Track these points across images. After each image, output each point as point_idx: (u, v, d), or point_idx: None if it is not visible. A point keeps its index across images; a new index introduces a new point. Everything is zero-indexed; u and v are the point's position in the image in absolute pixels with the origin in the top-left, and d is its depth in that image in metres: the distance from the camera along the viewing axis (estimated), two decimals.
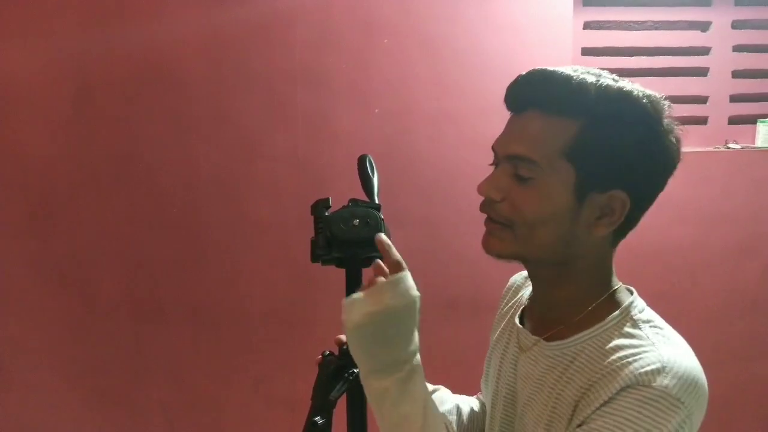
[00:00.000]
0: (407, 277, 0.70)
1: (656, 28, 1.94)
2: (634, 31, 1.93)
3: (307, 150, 1.77)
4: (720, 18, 1.94)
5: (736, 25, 1.96)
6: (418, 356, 0.71)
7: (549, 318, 0.75)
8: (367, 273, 0.76)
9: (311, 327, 1.81)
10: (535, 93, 0.69)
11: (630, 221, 0.70)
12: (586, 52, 1.91)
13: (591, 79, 0.66)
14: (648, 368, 0.61)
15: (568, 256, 0.70)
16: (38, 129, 1.71)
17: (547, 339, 0.73)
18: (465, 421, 0.91)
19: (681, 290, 1.95)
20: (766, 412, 2.06)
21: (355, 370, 0.76)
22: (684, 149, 0.69)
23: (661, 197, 0.71)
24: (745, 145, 1.98)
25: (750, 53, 1.98)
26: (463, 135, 1.79)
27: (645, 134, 0.66)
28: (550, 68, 0.68)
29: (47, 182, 1.73)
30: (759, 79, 2.00)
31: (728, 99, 1.99)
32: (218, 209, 1.77)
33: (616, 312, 0.69)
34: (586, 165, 0.66)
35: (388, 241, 0.72)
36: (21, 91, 1.70)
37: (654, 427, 0.59)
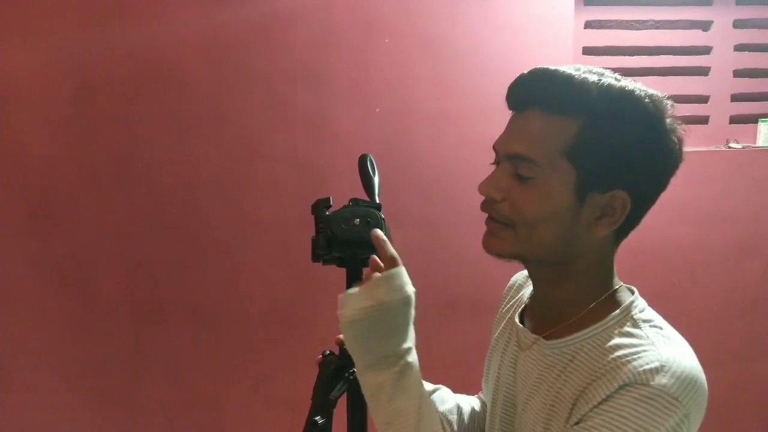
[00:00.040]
0: (402, 272, 0.71)
1: (657, 28, 1.93)
2: (635, 31, 1.93)
3: (307, 150, 1.77)
4: (721, 17, 1.94)
5: (738, 24, 1.96)
6: (414, 352, 0.72)
7: (549, 317, 0.75)
8: (367, 273, 0.76)
9: (311, 327, 1.81)
10: (536, 92, 0.69)
11: (631, 221, 0.70)
12: (587, 51, 1.90)
13: (593, 78, 0.66)
14: (646, 367, 0.61)
15: (568, 255, 0.70)
16: (38, 129, 1.71)
17: (547, 338, 0.73)
18: (466, 420, 0.91)
19: (681, 290, 1.95)
20: (766, 412, 2.06)
21: (355, 370, 0.76)
22: (685, 149, 0.69)
23: (662, 197, 0.71)
24: (746, 144, 1.98)
25: (751, 53, 1.98)
26: (463, 135, 1.79)
27: (646, 134, 0.66)
28: (552, 67, 0.68)
29: (47, 182, 1.73)
30: (760, 79, 2.00)
31: (729, 98, 1.99)
32: (218, 209, 1.77)
33: (617, 311, 0.69)
34: (587, 164, 0.66)
35: (384, 237, 0.73)
36: (21, 91, 1.70)
37: (650, 425, 0.59)
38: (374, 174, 0.82)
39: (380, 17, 1.74)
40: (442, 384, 0.94)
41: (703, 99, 1.99)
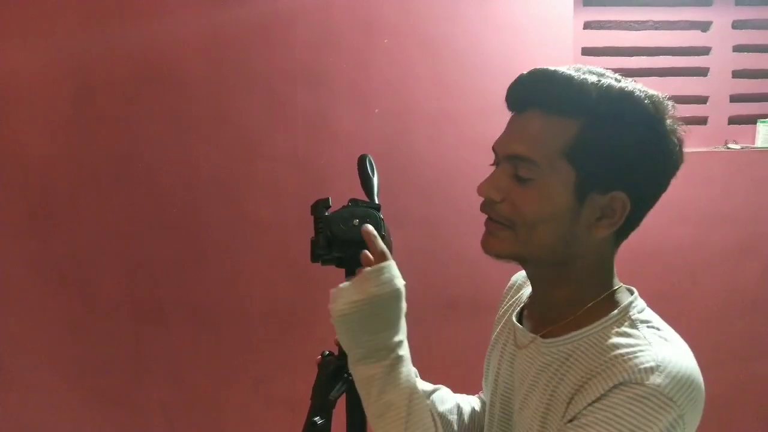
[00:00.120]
0: (391, 266, 0.72)
1: (656, 28, 1.94)
2: (635, 31, 1.93)
3: (307, 150, 1.77)
4: (720, 18, 1.94)
5: (737, 25, 1.96)
6: (405, 345, 0.72)
7: (547, 317, 0.75)
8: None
9: (311, 327, 1.81)
10: (535, 92, 0.69)
11: (631, 222, 0.70)
12: (587, 52, 1.91)
13: (593, 78, 0.66)
14: (642, 366, 0.61)
15: (567, 256, 0.70)
16: (38, 129, 1.71)
17: (544, 336, 0.73)
18: (466, 420, 0.91)
19: (681, 290, 1.95)
20: (766, 412, 2.06)
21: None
22: (684, 149, 0.69)
23: (661, 197, 0.71)
24: (745, 145, 1.98)
25: (750, 53, 1.98)
26: (463, 135, 1.79)
27: (646, 135, 0.66)
28: (552, 68, 0.68)
29: (47, 182, 1.73)
30: (759, 80, 2.00)
31: (728, 99, 1.99)
32: (218, 209, 1.77)
33: (615, 311, 0.69)
34: (587, 165, 0.66)
35: (374, 233, 0.74)
36: (21, 91, 1.70)
37: (644, 424, 0.59)
38: (373, 174, 0.82)
39: (380, 17, 1.74)
40: (442, 384, 0.94)
41: (702, 99, 1.99)
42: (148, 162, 1.74)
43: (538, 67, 0.69)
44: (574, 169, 0.66)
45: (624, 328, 0.67)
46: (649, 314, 0.71)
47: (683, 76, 1.97)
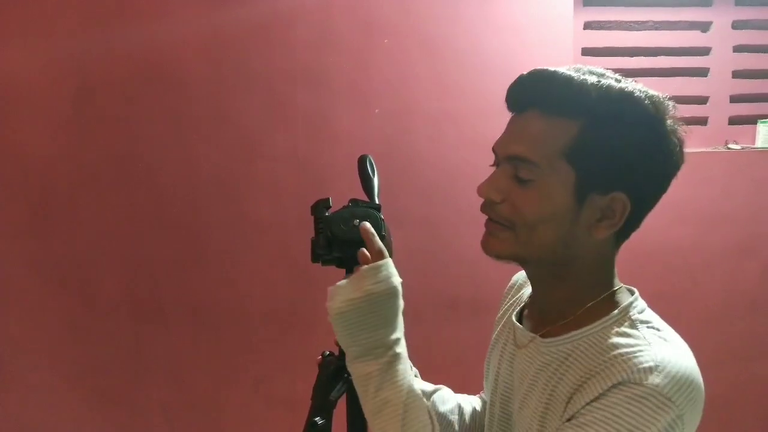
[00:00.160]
0: (388, 264, 0.72)
1: (657, 29, 1.94)
2: (635, 32, 1.93)
3: (307, 150, 1.77)
4: (720, 18, 1.94)
5: (737, 25, 1.96)
6: (402, 343, 0.73)
7: (547, 317, 0.75)
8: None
9: (311, 327, 1.81)
10: (535, 93, 0.69)
11: (632, 223, 0.70)
12: (587, 52, 1.91)
13: (592, 79, 0.66)
14: (641, 366, 0.61)
15: (567, 256, 0.70)
16: (38, 129, 1.71)
17: (543, 336, 0.73)
18: (467, 420, 0.91)
19: (681, 290, 1.95)
20: (766, 412, 2.06)
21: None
22: (685, 149, 0.69)
23: (662, 198, 0.71)
24: (745, 145, 1.98)
25: (750, 53, 1.98)
26: (464, 135, 1.79)
27: (646, 135, 0.66)
28: (551, 68, 0.68)
29: (47, 182, 1.73)
30: (759, 80, 2.00)
31: (728, 99, 1.99)
32: (218, 209, 1.77)
33: (615, 311, 0.69)
34: (586, 166, 0.66)
35: (372, 231, 0.74)
36: (21, 91, 1.69)
37: (642, 424, 0.59)
38: (374, 175, 0.82)
39: (380, 17, 1.74)
40: (443, 384, 0.94)
41: (702, 100, 1.99)
42: (148, 162, 1.74)
43: (538, 67, 0.69)
44: (574, 170, 0.66)
45: (624, 329, 0.67)
46: (650, 315, 0.71)
47: (683, 76, 1.97)
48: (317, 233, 0.77)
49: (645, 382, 0.60)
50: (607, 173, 0.66)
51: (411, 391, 0.71)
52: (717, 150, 1.96)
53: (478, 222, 0.74)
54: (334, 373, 0.79)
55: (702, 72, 1.98)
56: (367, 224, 0.75)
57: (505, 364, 0.80)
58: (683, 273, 1.96)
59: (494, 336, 0.88)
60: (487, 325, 0.94)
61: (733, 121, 2.00)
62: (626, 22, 1.93)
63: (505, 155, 0.70)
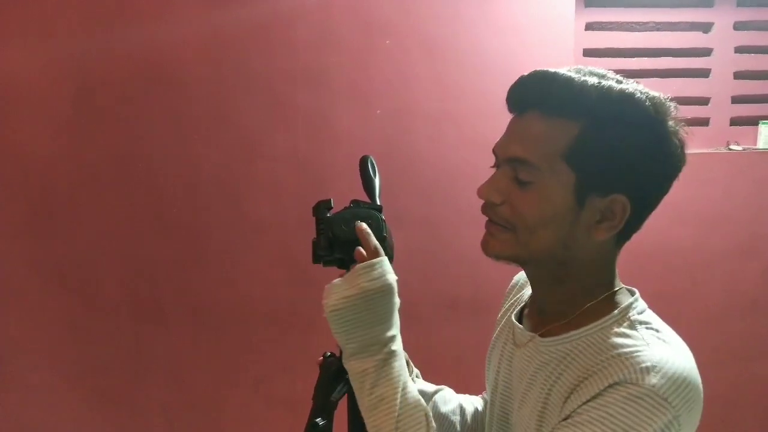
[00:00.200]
0: (383, 262, 0.73)
1: (658, 29, 1.93)
2: (636, 32, 1.92)
3: (308, 150, 1.77)
4: (722, 19, 1.94)
5: (738, 26, 1.96)
6: (398, 340, 0.74)
7: (547, 317, 0.75)
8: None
9: (311, 327, 1.80)
10: (535, 94, 0.68)
11: (632, 225, 0.69)
12: (588, 53, 1.90)
13: (593, 80, 0.65)
14: (638, 366, 0.61)
15: (567, 258, 0.70)
16: (38, 129, 1.71)
17: (542, 335, 0.73)
18: (469, 420, 0.91)
19: (681, 291, 1.95)
20: (766, 412, 2.06)
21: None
22: (686, 151, 0.68)
23: (663, 198, 0.70)
24: (746, 146, 1.98)
25: (752, 54, 1.98)
26: (464, 135, 1.79)
27: (646, 137, 0.65)
28: (552, 69, 0.68)
29: (47, 182, 1.73)
30: (761, 81, 1.99)
31: (730, 100, 1.99)
32: (218, 209, 1.77)
33: (614, 312, 0.69)
34: (586, 168, 0.66)
35: (368, 230, 0.75)
36: (21, 91, 1.69)
37: (637, 424, 0.59)
38: (375, 176, 0.82)
39: (381, 17, 1.74)
40: (442, 384, 0.94)
41: (703, 101, 1.99)
42: (148, 162, 1.74)
43: (538, 68, 0.69)
44: (574, 172, 0.66)
45: (622, 329, 0.67)
46: (649, 316, 0.71)
47: (685, 77, 1.96)
48: (319, 234, 0.77)
49: (642, 383, 0.60)
50: (606, 175, 0.66)
51: (406, 388, 0.72)
52: (718, 151, 1.96)
53: (478, 222, 0.74)
54: (335, 374, 0.79)
55: (703, 73, 1.98)
56: (363, 224, 0.75)
57: (505, 364, 0.80)
58: (684, 273, 1.96)
59: (495, 335, 0.89)
60: (487, 325, 0.94)
61: (735, 122, 2.00)
62: (628, 23, 1.92)
63: (505, 157, 0.70)
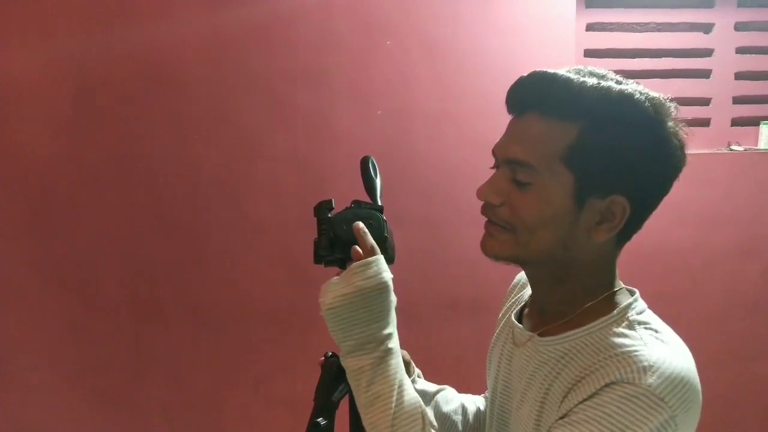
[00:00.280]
0: (379, 260, 0.73)
1: (659, 30, 1.93)
2: (637, 33, 1.92)
3: (308, 150, 1.77)
4: (723, 20, 1.94)
5: (739, 26, 1.95)
6: (395, 338, 0.74)
7: (546, 316, 0.75)
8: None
9: (311, 327, 1.80)
10: (534, 95, 0.68)
11: (632, 225, 0.69)
12: (589, 53, 1.90)
13: (592, 81, 0.65)
14: (635, 366, 0.61)
15: (567, 258, 0.70)
16: (38, 129, 1.71)
17: (541, 335, 0.73)
18: (470, 420, 0.92)
19: (681, 291, 1.95)
20: (766, 413, 2.06)
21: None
22: (687, 151, 0.68)
23: (663, 199, 0.70)
24: (747, 147, 1.98)
25: (753, 55, 1.98)
26: (464, 136, 1.79)
27: (646, 138, 0.65)
28: (551, 70, 0.67)
29: (47, 182, 1.73)
30: (762, 81, 1.99)
31: (731, 101, 1.98)
32: (218, 209, 1.77)
33: (613, 312, 0.69)
34: (585, 169, 0.65)
35: (365, 229, 0.75)
36: (21, 91, 1.69)
37: (633, 424, 0.59)
38: (376, 176, 0.82)
39: (381, 17, 1.74)
40: (443, 384, 0.94)
41: (704, 101, 1.98)
42: (148, 162, 1.74)
43: (538, 69, 0.69)
44: (573, 174, 0.66)
45: (621, 329, 0.67)
46: (649, 316, 0.71)
47: (686, 77, 1.96)
48: (320, 234, 0.77)
49: (638, 382, 0.60)
50: (606, 176, 0.66)
51: (402, 385, 0.72)
52: (719, 151, 1.96)
53: (478, 222, 0.74)
54: (336, 374, 0.79)
55: (704, 74, 1.97)
56: (360, 223, 0.76)
57: (505, 363, 0.81)
58: (684, 274, 1.95)
59: (495, 334, 0.89)
60: (487, 325, 0.94)
61: (736, 122, 2.00)
62: (629, 23, 1.92)
63: (504, 158, 0.70)
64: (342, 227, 0.76)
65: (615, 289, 0.72)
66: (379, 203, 0.80)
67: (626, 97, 0.65)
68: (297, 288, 1.80)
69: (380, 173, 0.83)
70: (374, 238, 0.75)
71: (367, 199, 0.81)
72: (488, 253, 0.72)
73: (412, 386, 0.75)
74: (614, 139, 0.65)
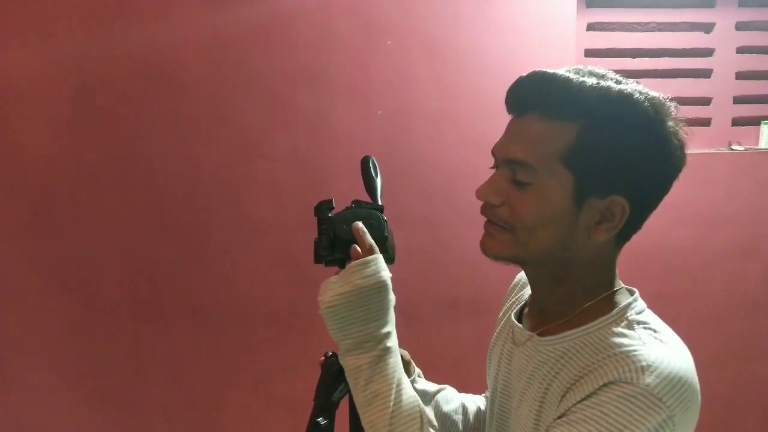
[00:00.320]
0: (377, 259, 0.74)
1: (660, 30, 1.93)
2: (638, 33, 1.92)
3: (308, 150, 1.77)
4: (723, 19, 1.94)
5: (740, 26, 1.95)
6: (393, 337, 0.74)
7: (546, 316, 0.75)
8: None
9: (311, 327, 1.80)
10: (534, 96, 0.68)
11: (632, 225, 0.69)
12: (590, 53, 1.90)
13: (591, 81, 0.65)
14: (633, 365, 0.61)
15: (566, 258, 0.70)
16: (38, 129, 1.71)
17: (541, 334, 0.73)
18: (471, 419, 0.92)
19: (681, 291, 1.95)
20: (766, 413, 2.06)
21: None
22: (687, 151, 0.68)
23: (664, 198, 0.70)
24: (748, 146, 1.98)
25: (754, 54, 1.98)
26: (464, 136, 1.79)
27: (645, 138, 0.65)
28: (551, 70, 0.67)
29: (47, 182, 1.73)
30: (762, 81, 1.99)
31: (732, 100, 1.98)
32: (218, 209, 1.77)
33: (613, 311, 0.69)
34: (584, 170, 0.65)
35: (364, 228, 0.76)
36: (21, 91, 1.69)
37: (631, 423, 0.59)
38: (377, 176, 0.82)
39: (381, 17, 1.74)
40: (442, 384, 0.94)
41: (705, 101, 1.98)
42: (148, 162, 1.74)
43: (537, 69, 0.69)
44: (572, 174, 0.65)
45: (620, 329, 0.67)
46: (648, 316, 0.71)
47: (686, 77, 1.96)
48: (320, 234, 0.77)
49: (636, 382, 0.60)
50: (605, 176, 0.66)
51: (401, 384, 0.72)
52: (720, 151, 1.95)
53: (478, 222, 0.74)
54: (337, 374, 0.79)
55: (705, 73, 1.97)
56: (359, 223, 0.76)
57: (505, 362, 0.81)
58: (684, 274, 1.95)
59: (495, 334, 0.89)
60: (487, 325, 0.94)
61: (737, 122, 2.00)
62: (629, 23, 1.92)
63: (504, 158, 0.70)
64: (342, 227, 0.76)
65: (615, 289, 0.72)
66: (380, 203, 0.80)
67: (625, 97, 0.65)
68: (297, 288, 1.80)
69: (380, 173, 0.83)
70: (374, 238, 0.76)
71: (368, 199, 0.81)
72: (488, 253, 0.72)
73: (410, 385, 0.75)
74: (613, 139, 0.64)
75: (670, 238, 1.90)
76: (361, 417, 0.72)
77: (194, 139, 1.74)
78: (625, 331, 0.66)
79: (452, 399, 0.91)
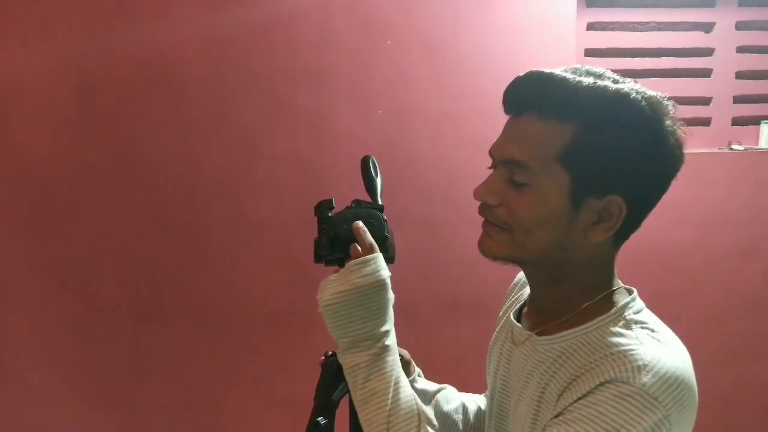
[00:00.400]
0: (377, 258, 0.74)
1: (660, 29, 1.93)
2: (638, 32, 1.92)
3: (308, 150, 1.77)
4: (723, 19, 1.94)
5: (740, 26, 1.95)
6: (392, 335, 0.75)
7: (544, 316, 0.75)
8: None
9: (311, 327, 1.80)
10: (531, 96, 0.68)
11: (630, 225, 0.69)
12: (590, 53, 1.90)
13: (588, 81, 0.65)
14: (630, 365, 0.61)
15: (564, 258, 0.70)
16: (39, 129, 1.71)
17: (539, 334, 0.74)
18: (471, 419, 0.92)
19: (681, 291, 1.95)
20: (766, 413, 2.06)
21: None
22: (687, 150, 0.68)
23: (663, 198, 0.70)
24: (748, 146, 1.98)
25: (754, 54, 1.98)
26: (464, 136, 1.79)
27: (642, 138, 0.65)
28: (547, 70, 0.67)
29: (47, 182, 1.73)
30: (762, 80, 1.99)
31: (732, 100, 1.98)
32: (218, 209, 1.77)
33: (611, 311, 0.69)
34: (581, 170, 0.65)
35: (364, 228, 0.76)
36: (22, 91, 1.69)
37: (627, 422, 0.59)
38: (377, 176, 0.82)
39: (381, 17, 1.74)
40: (443, 384, 0.94)
41: (705, 101, 1.98)
42: (148, 162, 1.74)
43: (534, 69, 0.69)
44: (569, 174, 0.65)
45: (618, 328, 0.67)
46: (646, 315, 0.71)
47: (686, 77, 1.96)
48: (320, 234, 0.77)
49: (632, 381, 0.60)
50: (602, 176, 0.66)
51: (399, 382, 0.72)
52: (720, 151, 1.95)
53: (478, 222, 0.74)
54: (337, 373, 0.79)
55: (705, 73, 1.97)
56: (359, 222, 0.76)
57: (504, 362, 0.81)
58: (684, 274, 1.95)
59: (495, 333, 0.89)
60: (487, 325, 0.94)
61: (737, 122, 2.00)
62: (629, 23, 1.92)
63: (501, 159, 0.70)
64: (342, 226, 0.76)
65: (613, 289, 0.72)
66: (380, 203, 0.80)
67: (622, 97, 0.64)
68: (297, 288, 1.80)
69: (380, 173, 0.83)
70: (375, 237, 0.76)
71: (368, 199, 0.81)
72: (486, 253, 0.72)
73: (408, 384, 0.75)
74: (610, 139, 0.64)
75: (670, 238, 1.90)
76: (359, 415, 0.72)
77: (194, 139, 1.74)
78: (623, 330, 0.67)
79: (452, 398, 0.91)
